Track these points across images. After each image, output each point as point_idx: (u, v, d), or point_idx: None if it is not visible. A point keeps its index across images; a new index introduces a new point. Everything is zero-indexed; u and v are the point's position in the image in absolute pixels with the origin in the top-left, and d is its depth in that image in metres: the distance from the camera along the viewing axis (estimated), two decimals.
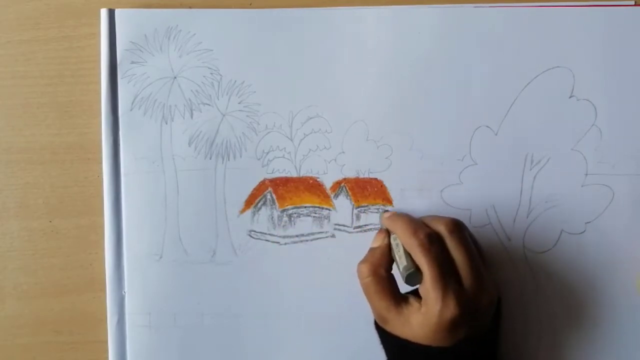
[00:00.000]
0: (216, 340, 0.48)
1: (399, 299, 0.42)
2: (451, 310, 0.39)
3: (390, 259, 0.43)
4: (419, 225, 0.42)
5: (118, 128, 0.48)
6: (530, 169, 0.48)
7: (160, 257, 0.48)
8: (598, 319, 0.48)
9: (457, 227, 0.42)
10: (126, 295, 0.48)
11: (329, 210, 0.48)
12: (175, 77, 0.48)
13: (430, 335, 0.40)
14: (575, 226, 0.48)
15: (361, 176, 0.48)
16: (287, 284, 0.48)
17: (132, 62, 0.48)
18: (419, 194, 0.48)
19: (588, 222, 0.48)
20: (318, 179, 0.48)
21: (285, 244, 0.48)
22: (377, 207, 0.48)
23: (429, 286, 0.40)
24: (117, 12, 0.47)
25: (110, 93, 0.48)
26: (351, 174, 0.48)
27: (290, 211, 0.48)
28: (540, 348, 0.48)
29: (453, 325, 0.39)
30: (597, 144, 0.48)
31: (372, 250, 0.44)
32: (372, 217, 0.48)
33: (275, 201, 0.48)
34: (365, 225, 0.48)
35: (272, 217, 0.48)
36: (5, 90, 0.49)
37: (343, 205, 0.48)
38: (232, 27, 0.48)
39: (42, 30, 0.49)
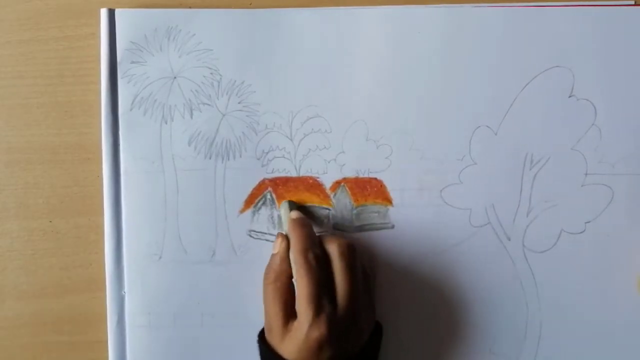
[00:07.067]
0: (216, 340, 0.48)
1: (290, 313, 0.42)
2: (319, 330, 0.40)
3: (290, 265, 0.43)
4: (310, 244, 0.42)
5: (118, 128, 0.48)
6: (530, 169, 0.48)
7: (160, 257, 0.48)
8: (598, 319, 0.48)
9: (347, 250, 0.43)
10: (126, 295, 0.48)
11: (329, 210, 0.48)
12: (175, 77, 0.48)
13: (296, 351, 0.40)
14: (575, 226, 0.48)
15: (361, 176, 0.48)
16: None
17: (132, 62, 0.48)
18: (419, 193, 0.48)
19: (588, 222, 0.48)
20: (318, 179, 0.48)
21: None
22: (377, 207, 0.48)
23: (303, 303, 0.41)
24: (117, 12, 0.47)
25: (110, 93, 0.48)
26: (351, 174, 0.48)
27: None
28: (540, 348, 0.48)
29: (318, 345, 0.40)
30: (597, 144, 0.48)
31: (273, 256, 0.44)
32: (373, 217, 0.48)
33: (275, 201, 0.48)
34: (365, 225, 0.48)
35: (272, 217, 0.48)
36: (5, 90, 0.49)
37: (343, 205, 0.48)
38: (232, 27, 0.48)
39: (42, 30, 0.49)
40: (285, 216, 0.46)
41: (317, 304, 0.40)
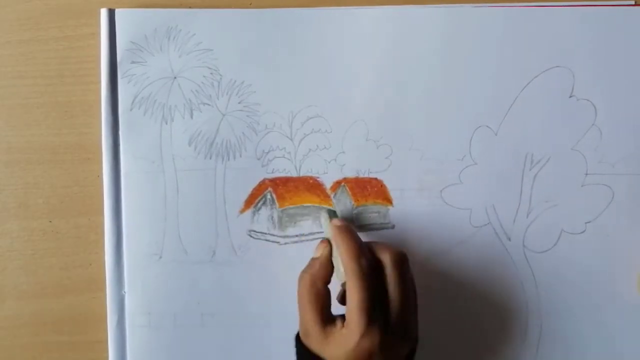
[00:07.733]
0: (216, 340, 0.48)
1: (327, 318, 0.41)
2: (371, 341, 0.39)
3: (329, 272, 0.43)
4: (363, 251, 0.41)
5: (118, 128, 0.48)
6: (530, 169, 0.48)
7: (160, 257, 0.48)
8: (598, 319, 0.48)
9: (401, 259, 0.42)
10: (126, 295, 0.48)
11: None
12: (175, 77, 0.48)
13: (342, 356, 0.40)
14: (575, 226, 0.48)
15: (361, 176, 0.48)
16: (287, 284, 0.48)
17: (132, 62, 0.48)
18: (419, 193, 0.48)
19: (588, 222, 0.48)
20: (318, 179, 0.48)
21: (285, 243, 0.48)
22: (377, 207, 0.48)
23: (355, 311, 0.39)
24: (117, 12, 0.47)
25: (110, 93, 0.48)
26: (351, 174, 0.48)
27: (290, 211, 0.48)
28: (540, 348, 0.48)
29: (368, 355, 0.39)
30: (597, 144, 0.48)
31: (313, 260, 0.44)
32: (373, 217, 0.48)
33: (275, 201, 0.48)
34: (365, 225, 0.48)
35: (272, 217, 0.48)
36: (5, 90, 0.49)
37: (343, 205, 0.48)
38: (232, 27, 0.48)
39: (42, 30, 0.49)
40: (326, 224, 0.46)
41: (370, 313, 0.39)
